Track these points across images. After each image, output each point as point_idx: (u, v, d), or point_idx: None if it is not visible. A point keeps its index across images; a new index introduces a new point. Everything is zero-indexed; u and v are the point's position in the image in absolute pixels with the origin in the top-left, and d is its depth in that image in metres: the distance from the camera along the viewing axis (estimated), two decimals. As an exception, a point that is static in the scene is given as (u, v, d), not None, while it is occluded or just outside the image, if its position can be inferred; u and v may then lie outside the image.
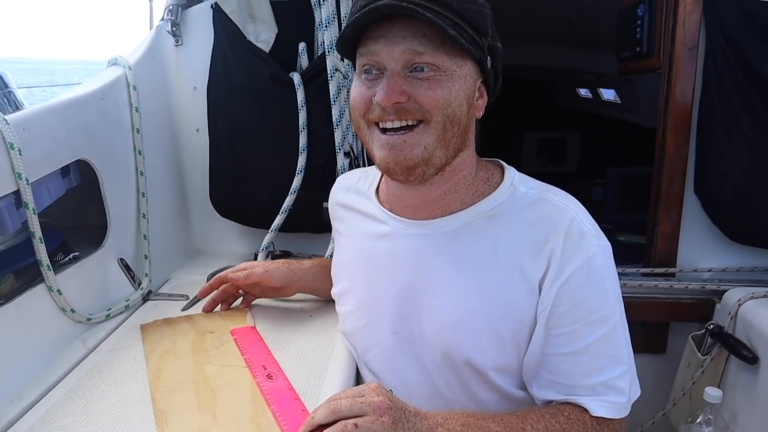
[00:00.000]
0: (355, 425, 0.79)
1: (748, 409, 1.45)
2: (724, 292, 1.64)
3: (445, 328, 1.00)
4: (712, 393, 1.44)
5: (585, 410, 0.93)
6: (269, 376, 1.01)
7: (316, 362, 1.12)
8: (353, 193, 1.18)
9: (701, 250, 1.73)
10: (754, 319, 1.48)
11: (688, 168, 1.70)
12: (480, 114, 0.99)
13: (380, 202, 1.11)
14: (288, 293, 1.33)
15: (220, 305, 1.33)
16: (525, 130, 4.73)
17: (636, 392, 0.97)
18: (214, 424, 0.90)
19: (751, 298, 1.53)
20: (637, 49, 1.85)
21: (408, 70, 0.90)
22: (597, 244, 0.93)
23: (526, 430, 0.90)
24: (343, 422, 0.80)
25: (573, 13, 2.84)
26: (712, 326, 1.56)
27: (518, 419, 0.91)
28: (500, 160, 1.08)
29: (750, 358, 1.43)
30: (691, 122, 1.67)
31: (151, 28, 1.76)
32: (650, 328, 1.81)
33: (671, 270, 1.73)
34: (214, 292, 1.32)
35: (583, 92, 4.38)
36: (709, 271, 1.72)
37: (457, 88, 0.91)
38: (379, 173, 1.13)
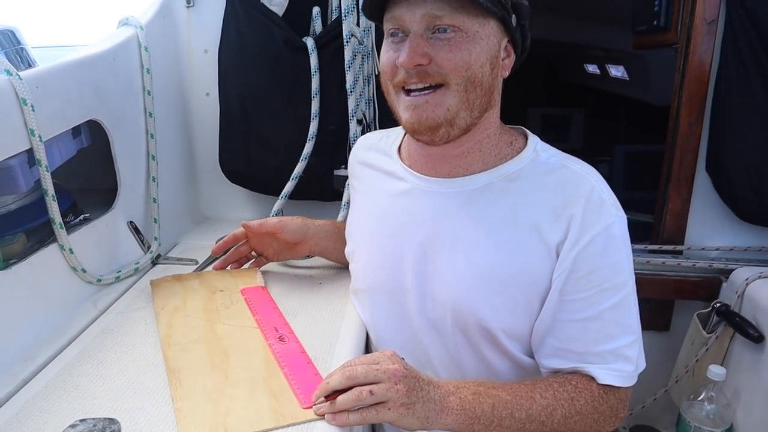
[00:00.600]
0: (371, 392, 0.81)
1: (751, 388, 1.47)
2: (731, 271, 1.64)
3: (459, 287, 1.00)
4: (716, 371, 1.46)
5: (592, 379, 0.95)
6: (281, 338, 1.02)
7: (326, 329, 1.12)
8: (374, 151, 1.18)
9: (710, 229, 1.73)
10: (761, 298, 1.48)
11: (701, 146, 1.69)
12: (507, 73, 0.99)
13: (402, 160, 1.11)
14: (300, 252, 1.33)
15: (231, 265, 1.35)
16: (530, 105, 4.70)
17: (642, 363, 0.98)
18: (227, 384, 0.91)
19: (759, 277, 1.53)
20: (654, 22, 1.81)
21: (430, 32, 0.91)
22: (615, 214, 0.95)
23: (535, 399, 0.92)
24: (358, 389, 0.81)
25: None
26: (718, 305, 1.57)
27: (527, 388, 0.93)
28: (524, 128, 1.08)
29: (756, 337, 1.43)
30: (706, 99, 1.66)
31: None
32: (656, 305, 1.82)
33: (679, 247, 1.73)
34: (228, 253, 1.33)
35: (591, 68, 4.34)
36: (717, 249, 1.72)
37: (479, 49, 0.91)
38: (401, 133, 1.15)
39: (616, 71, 3.86)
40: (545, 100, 4.76)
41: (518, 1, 0.94)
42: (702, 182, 1.71)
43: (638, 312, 0.98)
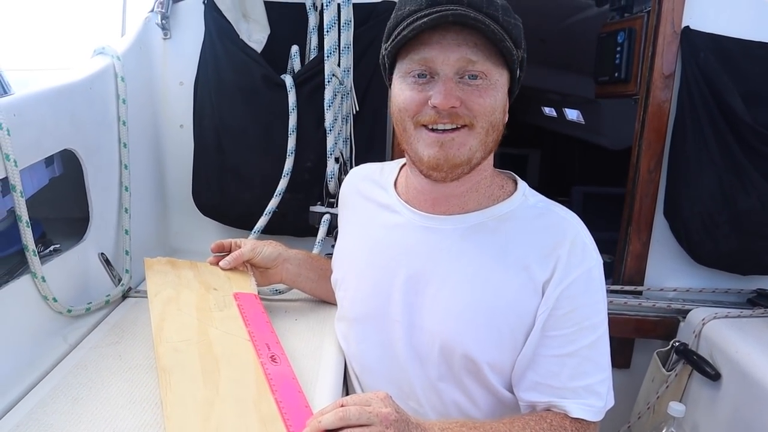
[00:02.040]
0: None
1: (709, 423, 1.52)
2: (688, 311, 1.72)
3: (448, 320, 1.04)
4: (676, 407, 1.50)
5: (565, 416, 0.98)
6: (273, 359, 1.00)
7: (305, 365, 1.12)
8: (369, 183, 1.21)
9: (668, 270, 1.81)
10: (716, 337, 1.55)
11: (659, 191, 1.78)
12: (506, 119, 1.03)
13: (398, 194, 1.14)
14: (273, 278, 1.34)
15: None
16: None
17: (611, 401, 1.03)
18: (218, 399, 0.89)
19: (714, 317, 1.61)
20: (615, 74, 1.92)
21: (459, 77, 0.94)
22: (596, 258, 1.01)
23: None
24: (349, 431, 0.82)
25: (548, 33, 2.91)
26: (677, 344, 1.63)
27: (506, 427, 0.95)
28: (512, 173, 1.14)
29: (713, 375, 1.50)
30: (664, 147, 1.75)
31: (123, 34, 1.71)
32: (616, 343, 1.87)
33: (639, 288, 1.80)
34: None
35: (548, 111, 4.51)
36: (675, 290, 1.79)
37: (500, 96, 0.97)
38: (397, 167, 1.19)
39: (572, 114, 4.03)
40: (503, 140, 4.89)
41: (523, 56, 0.99)
42: (660, 226, 1.79)
43: (609, 352, 1.03)
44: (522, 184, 1.10)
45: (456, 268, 1.04)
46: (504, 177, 1.12)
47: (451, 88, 0.94)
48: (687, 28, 1.67)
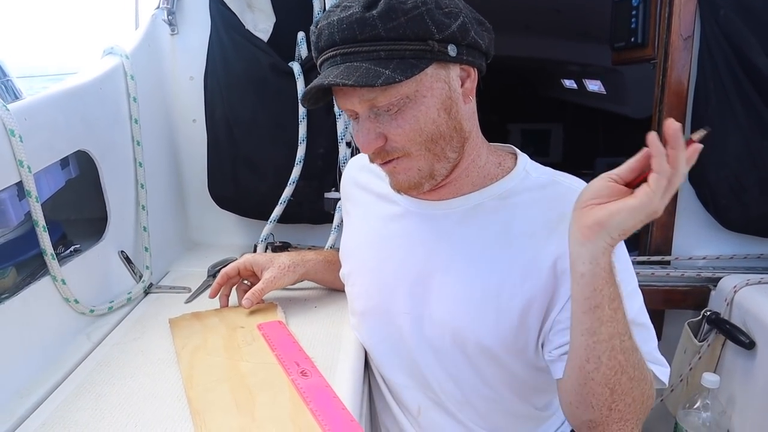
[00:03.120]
0: None
1: (745, 394, 1.48)
2: (718, 279, 1.67)
3: (456, 308, 1.00)
4: (710, 378, 1.47)
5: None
6: (303, 373, 0.99)
7: (325, 352, 1.11)
8: (366, 173, 1.17)
9: (696, 239, 1.76)
10: (750, 305, 1.51)
11: (683, 157, 1.72)
12: (472, 96, 0.95)
13: None
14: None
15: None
16: (510, 121, 4.76)
17: (667, 366, 0.98)
18: (254, 426, 0.87)
19: (747, 284, 1.56)
20: (632, 39, 1.86)
21: (375, 110, 0.91)
22: None
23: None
24: None
25: (563, 2, 2.84)
26: (708, 313, 1.59)
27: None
28: (513, 146, 1.08)
29: (747, 344, 1.46)
30: (686, 112, 1.70)
31: (136, 27, 1.72)
32: (646, 315, 1.84)
33: (667, 258, 1.76)
34: (220, 286, 1.29)
35: (568, 83, 4.42)
36: (704, 258, 1.75)
37: (425, 108, 0.89)
38: None
39: (593, 86, 3.95)
40: (524, 115, 4.83)
41: (452, 30, 0.87)
42: (686, 193, 1.74)
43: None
44: (522, 159, 1.04)
45: (459, 253, 1.00)
46: (502, 154, 1.06)
47: (368, 129, 0.91)
48: (705, -15, 1.61)
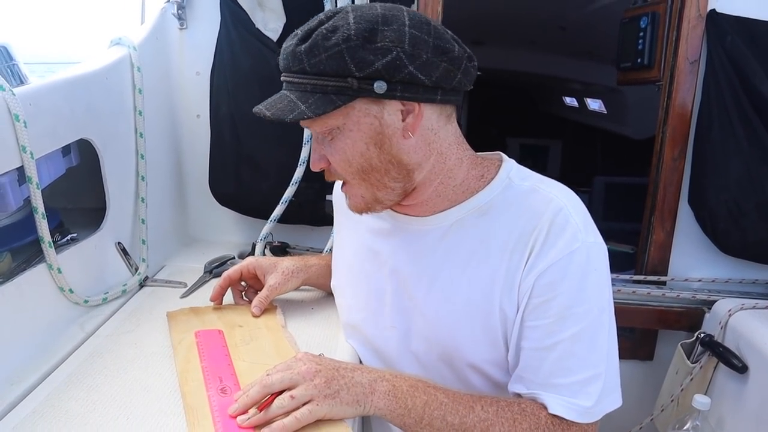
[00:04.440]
0: (291, 397, 0.84)
1: (735, 417, 1.49)
2: (713, 302, 1.67)
3: (440, 325, 1.00)
4: (701, 400, 1.47)
5: (543, 408, 0.91)
6: (223, 390, 0.94)
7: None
8: None
9: (692, 260, 1.77)
10: (744, 329, 1.51)
11: (683, 179, 1.73)
12: (416, 130, 0.90)
13: None
14: None
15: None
16: (509, 135, 4.78)
17: (612, 404, 0.92)
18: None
19: (741, 308, 1.57)
20: (638, 60, 1.87)
21: (319, 134, 0.93)
22: (583, 240, 0.90)
23: (475, 409, 0.89)
24: (279, 398, 0.84)
25: (569, 21, 2.86)
26: (702, 335, 1.59)
27: (470, 398, 0.91)
28: (501, 153, 1.05)
29: (740, 367, 1.46)
30: (689, 135, 1.70)
31: (142, 22, 1.71)
32: (639, 334, 1.84)
33: (663, 278, 1.76)
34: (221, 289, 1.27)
35: (569, 101, 4.45)
36: (700, 281, 1.75)
37: (351, 141, 0.90)
38: None
39: (594, 104, 3.97)
40: (524, 130, 4.85)
41: (375, 67, 0.84)
42: (685, 215, 1.75)
43: (612, 347, 0.93)
44: (506, 167, 1.00)
45: (440, 269, 0.99)
46: (486, 164, 1.02)
47: (315, 149, 0.95)
48: (713, 11, 1.62)
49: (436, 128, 0.94)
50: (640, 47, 1.85)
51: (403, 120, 0.90)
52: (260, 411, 0.84)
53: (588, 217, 0.94)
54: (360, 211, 1.00)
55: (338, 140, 0.91)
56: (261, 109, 0.89)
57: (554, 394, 0.90)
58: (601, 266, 0.92)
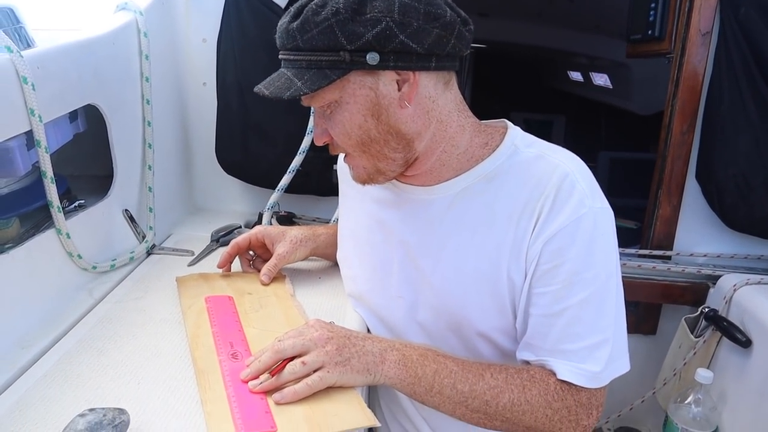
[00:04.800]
0: (303, 363, 0.85)
1: (737, 391, 1.50)
2: (718, 277, 1.68)
3: (448, 293, 1.00)
4: (704, 374, 1.49)
5: (551, 374, 0.91)
6: (234, 356, 0.94)
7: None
8: None
9: (698, 235, 1.77)
10: (749, 304, 1.52)
11: (691, 154, 1.72)
12: (411, 99, 0.90)
13: None
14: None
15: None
16: (513, 109, 4.75)
17: (620, 369, 0.93)
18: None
19: (746, 284, 1.57)
20: (649, 32, 1.84)
21: (319, 109, 0.94)
22: (590, 205, 0.90)
23: (484, 377, 0.90)
24: (290, 364, 0.85)
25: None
26: (707, 309, 1.60)
27: (480, 366, 0.92)
28: (506, 121, 1.04)
29: (744, 342, 1.47)
30: (698, 108, 1.69)
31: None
32: (643, 309, 1.85)
33: (668, 253, 1.77)
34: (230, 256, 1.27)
35: (574, 75, 4.41)
36: (705, 256, 1.75)
37: (348, 114, 0.91)
38: None
39: (600, 79, 3.94)
40: (528, 104, 4.81)
41: (365, 39, 0.84)
42: (692, 190, 1.74)
43: (620, 313, 0.94)
44: (511, 134, 0.99)
45: (448, 237, 0.99)
46: (490, 131, 1.01)
47: (317, 124, 0.97)
48: (727, -18, 1.59)
49: (434, 96, 0.93)
50: (651, 18, 1.83)
51: (399, 90, 0.90)
52: (272, 376, 0.85)
53: (594, 183, 0.94)
54: (363, 182, 1.00)
55: (336, 114, 0.91)
56: (260, 88, 0.91)
57: (563, 360, 0.91)
58: (608, 231, 0.92)
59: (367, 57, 0.85)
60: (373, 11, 0.83)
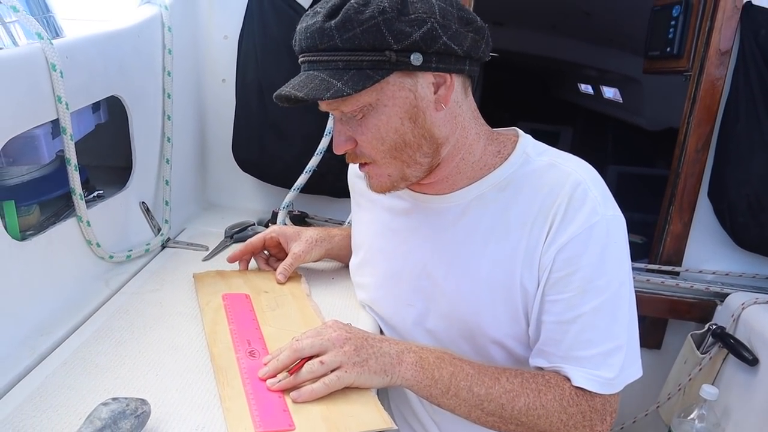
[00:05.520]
0: (321, 362, 0.85)
1: (742, 409, 1.50)
2: (726, 295, 1.68)
3: (461, 301, 1.00)
4: (708, 390, 1.49)
5: (567, 380, 0.92)
6: (251, 353, 0.95)
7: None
8: None
9: (708, 253, 1.78)
10: (756, 323, 1.53)
11: (705, 172, 1.73)
12: (448, 102, 0.91)
13: None
14: None
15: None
16: (521, 119, 4.76)
17: (632, 375, 0.93)
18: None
19: (755, 302, 1.58)
20: (668, 49, 1.86)
21: (345, 114, 0.91)
22: (603, 213, 0.90)
23: (500, 380, 0.91)
24: (309, 363, 0.86)
25: (595, 5, 2.83)
26: (714, 326, 1.61)
27: (496, 370, 0.93)
28: (517, 129, 1.04)
29: (751, 360, 1.47)
30: (714, 127, 1.70)
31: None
32: (649, 323, 1.86)
33: (677, 269, 1.77)
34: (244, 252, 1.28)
35: (584, 88, 4.42)
36: (713, 273, 1.76)
37: (386, 117, 0.89)
38: None
39: (609, 93, 3.95)
40: (536, 115, 4.83)
41: (413, 39, 0.83)
42: (703, 207, 1.75)
43: (632, 320, 0.94)
44: (522, 142, 1.00)
45: (461, 246, 0.99)
46: (503, 139, 1.01)
47: (339, 131, 0.93)
48: (749, 3, 1.60)
49: (460, 101, 0.94)
50: (670, 36, 1.84)
51: (435, 92, 0.90)
52: (290, 375, 0.85)
53: (606, 191, 0.94)
54: (384, 191, 0.99)
55: (371, 117, 0.89)
56: (290, 90, 0.86)
57: (577, 366, 0.91)
58: (620, 239, 0.93)
59: (411, 57, 0.84)
60: (416, 12, 0.83)
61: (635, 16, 2.27)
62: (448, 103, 0.91)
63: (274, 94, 0.90)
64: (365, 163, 0.96)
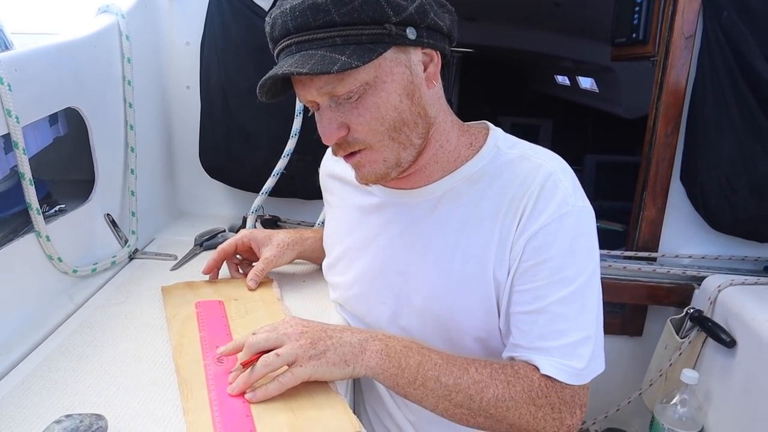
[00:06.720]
0: (277, 355, 0.84)
1: (722, 391, 1.51)
2: (703, 278, 1.68)
3: (435, 298, 0.99)
4: (689, 374, 1.49)
5: (535, 370, 0.90)
6: (218, 360, 0.93)
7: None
8: (342, 164, 1.08)
9: (683, 237, 1.78)
10: (733, 305, 1.52)
11: (676, 156, 1.73)
12: (436, 81, 0.91)
13: None
14: None
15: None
16: (500, 113, 4.77)
17: (597, 368, 0.92)
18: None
19: (731, 284, 1.58)
20: (633, 35, 1.85)
21: (336, 100, 0.86)
22: (573, 204, 0.90)
23: (469, 371, 0.89)
24: (264, 356, 0.84)
25: (564, -4, 2.83)
26: (692, 311, 1.61)
27: (464, 360, 0.91)
28: (487, 122, 1.04)
29: (728, 342, 1.47)
30: (682, 111, 1.70)
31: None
32: (629, 310, 1.85)
33: (653, 254, 1.77)
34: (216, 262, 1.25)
35: (561, 79, 4.43)
36: (690, 257, 1.76)
37: (385, 94, 0.86)
38: None
39: (586, 83, 3.96)
40: (516, 109, 4.84)
41: (409, 11, 0.83)
42: (676, 192, 1.75)
43: (599, 312, 0.93)
44: (493, 135, 0.99)
45: (433, 240, 0.98)
46: (474, 131, 1.01)
47: (329, 119, 0.87)
48: (710, -15, 1.61)
49: (440, 83, 0.94)
50: (635, 22, 1.84)
51: (425, 70, 0.89)
52: (244, 368, 0.84)
53: (577, 182, 0.94)
54: (377, 180, 0.95)
55: (369, 96, 0.85)
56: (289, 68, 0.80)
57: (546, 356, 0.90)
58: (590, 230, 0.93)
59: (407, 31, 0.83)
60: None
61: (601, 3, 2.27)
62: (437, 80, 0.91)
63: (260, 81, 0.85)
64: (355, 153, 0.91)
